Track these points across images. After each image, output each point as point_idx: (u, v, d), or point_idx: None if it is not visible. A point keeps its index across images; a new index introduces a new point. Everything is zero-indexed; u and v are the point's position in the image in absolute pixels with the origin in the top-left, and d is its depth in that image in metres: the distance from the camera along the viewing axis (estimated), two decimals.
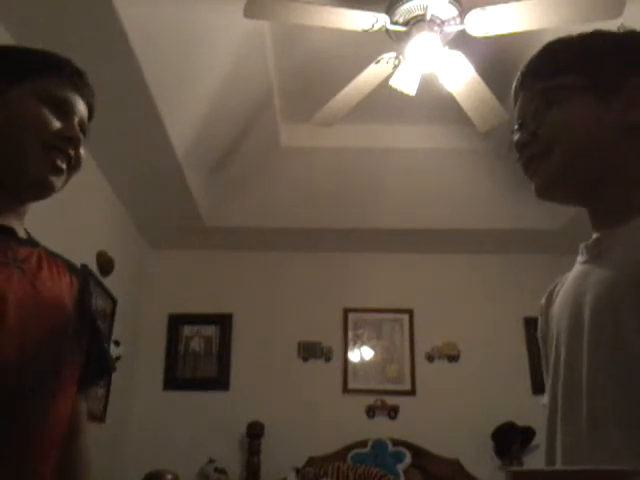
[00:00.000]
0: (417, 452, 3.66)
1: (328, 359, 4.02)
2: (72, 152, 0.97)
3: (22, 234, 0.99)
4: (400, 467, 3.56)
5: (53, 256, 1.03)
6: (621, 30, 0.87)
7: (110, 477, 3.15)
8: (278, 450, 3.65)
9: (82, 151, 1.00)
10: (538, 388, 3.64)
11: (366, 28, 2.28)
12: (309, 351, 4.03)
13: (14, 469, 0.86)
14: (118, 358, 3.25)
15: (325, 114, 2.79)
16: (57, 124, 0.96)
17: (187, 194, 3.42)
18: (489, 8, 2.16)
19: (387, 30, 2.37)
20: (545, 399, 0.91)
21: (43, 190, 0.97)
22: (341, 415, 3.80)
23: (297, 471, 3.47)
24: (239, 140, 3.38)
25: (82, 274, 1.11)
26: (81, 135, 0.99)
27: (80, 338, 1.02)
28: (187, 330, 4.07)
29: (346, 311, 4.11)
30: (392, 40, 2.46)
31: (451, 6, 2.31)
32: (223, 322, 4.06)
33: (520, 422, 3.56)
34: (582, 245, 0.88)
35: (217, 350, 4.02)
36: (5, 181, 0.94)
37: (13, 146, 0.93)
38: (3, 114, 0.93)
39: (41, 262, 0.98)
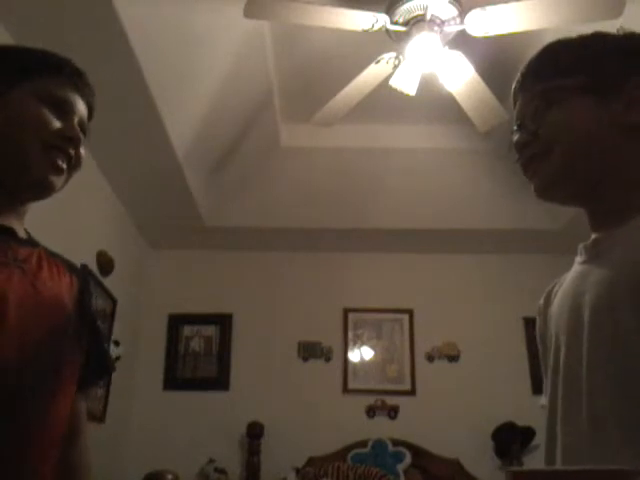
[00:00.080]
0: (417, 452, 3.66)
1: (328, 359, 4.02)
2: (72, 152, 0.97)
3: (22, 234, 0.99)
4: (400, 467, 3.56)
5: (53, 256, 1.03)
6: (621, 32, 0.87)
7: (110, 477, 3.15)
8: (278, 450, 3.65)
9: (82, 151, 1.00)
10: (538, 388, 3.64)
11: (366, 28, 2.28)
12: (309, 351, 4.03)
13: (14, 469, 0.86)
14: (118, 358, 3.25)
15: (325, 114, 2.79)
16: (57, 124, 0.95)
17: (187, 194, 3.42)
18: (489, 8, 2.17)
19: (387, 30, 2.37)
20: (543, 400, 0.92)
21: (43, 190, 0.97)
22: (341, 415, 3.80)
23: (297, 471, 3.47)
24: (239, 140, 3.38)
25: (82, 274, 1.11)
26: (81, 135, 0.99)
27: (80, 338, 1.02)
28: (187, 330, 4.07)
29: (346, 311, 4.11)
30: (392, 40, 2.46)
31: (451, 6, 2.31)
32: (223, 322, 4.06)
33: (520, 422, 3.56)
34: (581, 245, 0.88)
35: (217, 350, 4.02)
36: (5, 181, 0.94)
37: (13, 146, 0.93)
38: (3, 114, 0.93)
39: (41, 262, 0.98)
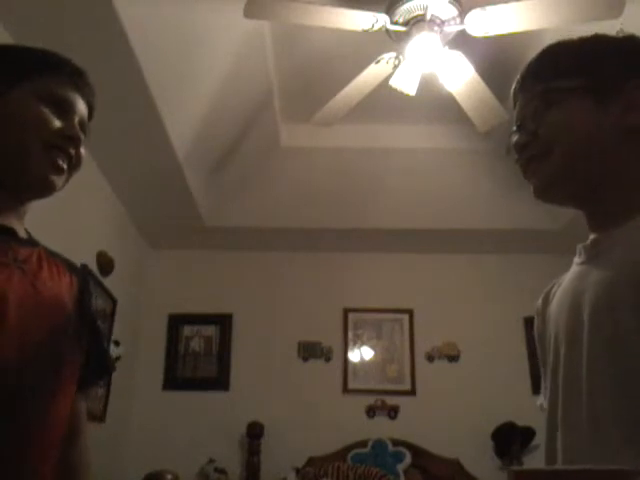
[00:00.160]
0: (417, 452, 3.66)
1: (328, 359, 4.02)
2: (73, 151, 0.97)
3: (22, 234, 0.99)
4: (400, 467, 3.57)
5: (53, 256, 1.03)
6: (620, 35, 0.87)
7: (110, 477, 3.15)
8: (278, 450, 3.65)
9: (82, 150, 1.00)
10: (538, 388, 3.60)
11: (366, 28, 2.28)
12: (309, 351, 4.03)
13: (14, 469, 0.86)
14: (118, 358, 3.25)
15: (325, 114, 2.79)
16: (57, 123, 0.95)
17: (187, 194, 3.42)
18: (489, 8, 2.17)
19: (387, 30, 2.37)
20: (541, 400, 0.92)
21: (44, 189, 0.97)
22: (341, 415, 3.81)
23: (297, 471, 3.47)
24: (239, 140, 3.38)
25: (82, 274, 1.11)
26: (81, 134, 0.99)
27: (80, 338, 1.02)
28: (187, 330, 4.07)
29: (346, 311, 4.11)
30: (392, 40, 2.46)
31: (451, 6, 2.31)
32: (223, 322, 4.06)
33: (520, 422, 3.56)
34: (580, 246, 0.88)
35: (217, 350, 4.02)
36: (5, 181, 0.94)
37: (14, 146, 0.93)
38: (3, 114, 0.93)
39: (41, 262, 0.98)
